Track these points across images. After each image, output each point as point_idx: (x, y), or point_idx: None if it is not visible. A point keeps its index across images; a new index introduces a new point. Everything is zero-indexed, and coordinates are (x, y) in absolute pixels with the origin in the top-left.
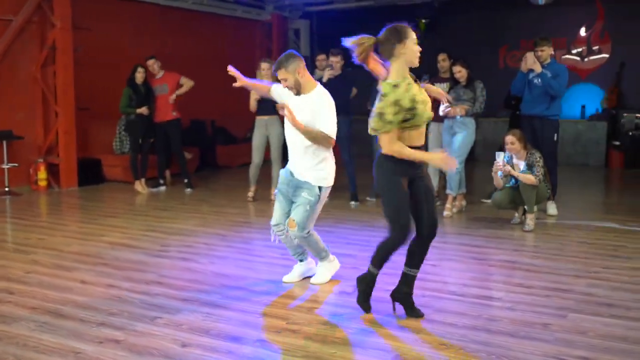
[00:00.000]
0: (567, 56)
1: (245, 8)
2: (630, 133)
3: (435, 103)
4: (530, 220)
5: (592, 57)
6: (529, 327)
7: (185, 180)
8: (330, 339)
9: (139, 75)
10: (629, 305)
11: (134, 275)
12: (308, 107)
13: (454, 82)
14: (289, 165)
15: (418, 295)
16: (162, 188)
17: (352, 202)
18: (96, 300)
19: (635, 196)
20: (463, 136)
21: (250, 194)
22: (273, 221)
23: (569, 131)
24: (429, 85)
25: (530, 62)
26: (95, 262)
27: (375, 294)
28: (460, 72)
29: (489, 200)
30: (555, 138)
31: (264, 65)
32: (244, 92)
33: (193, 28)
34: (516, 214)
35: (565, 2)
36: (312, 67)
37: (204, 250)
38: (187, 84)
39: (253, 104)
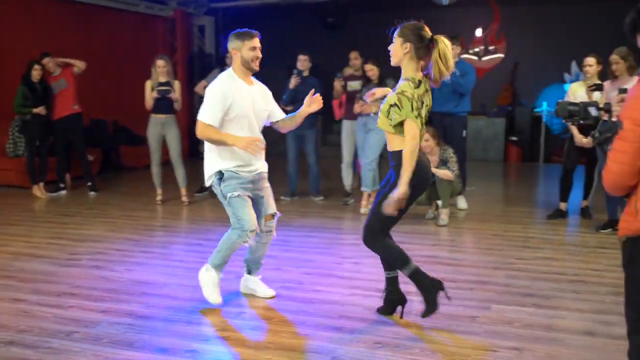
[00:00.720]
0: (466, 55)
1: (148, 3)
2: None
3: (349, 102)
4: (444, 215)
5: (488, 57)
6: (457, 321)
7: (89, 184)
8: (263, 345)
9: (35, 73)
10: (548, 294)
11: (43, 287)
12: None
13: (366, 80)
14: (249, 161)
15: (345, 294)
16: (63, 192)
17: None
18: (1, 317)
19: (534, 188)
20: (377, 133)
21: (159, 197)
22: (252, 226)
23: (470, 127)
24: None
25: None
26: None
27: (302, 295)
28: (372, 71)
29: None
30: (463, 134)
31: (160, 63)
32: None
33: (93, 24)
34: (430, 210)
35: (464, 3)
36: (222, 65)
37: (117, 257)
38: (78, 64)
39: (150, 101)
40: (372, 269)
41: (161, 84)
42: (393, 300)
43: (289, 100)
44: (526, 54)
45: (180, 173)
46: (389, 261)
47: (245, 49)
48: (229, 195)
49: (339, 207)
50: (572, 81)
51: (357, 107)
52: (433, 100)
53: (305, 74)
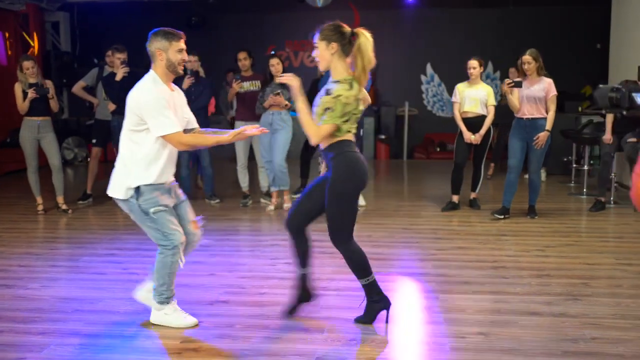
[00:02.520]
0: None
1: None
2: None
3: (242, 104)
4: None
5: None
6: (413, 313)
7: None
8: (239, 353)
9: None
10: (481, 281)
11: None
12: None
13: (266, 79)
14: (167, 170)
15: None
16: None
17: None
18: None
19: (414, 183)
20: (284, 133)
21: (40, 206)
22: (181, 239)
23: None
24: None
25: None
26: None
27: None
28: (279, 65)
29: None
30: (361, 133)
31: (28, 64)
32: (1, 91)
33: None
34: None
35: (325, 7)
36: (79, 65)
37: (24, 274)
38: None
39: (25, 104)
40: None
41: (32, 85)
42: (375, 306)
43: None
44: (385, 56)
45: (59, 179)
46: (358, 267)
47: (173, 50)
48: (152, 210)
49: (240, 209)
50: (428, 82)
51: (269, 102)
52: None
53: (201, 74)
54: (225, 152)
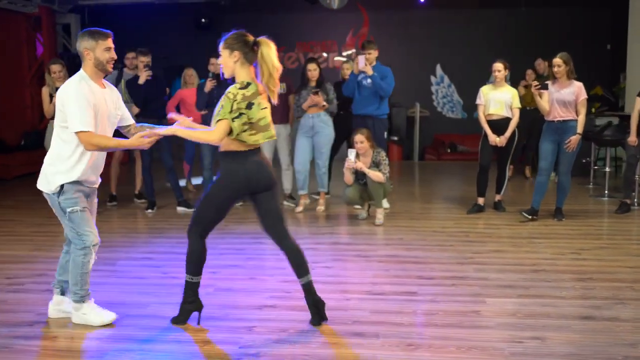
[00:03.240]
0: (338, 58)
1: None
2: None
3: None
4: (380, 214)
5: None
6: (464, 317)
7: None
8: (287, 359)
9: None
10: (524, 284)
11: (5, 317)
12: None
13: (303, 82)
14: (92, 174)
15: (340, 299)
16: None
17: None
18: None
19: (432, 185)
20: (325, 134)
21: None
22: (94, 240)
23: None
24: None
25: (362, 64)
26: None
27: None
28: (316, 71)
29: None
30: (385, 135)
31: (56, 67)
32: (17, 93)
33: None
34: (362, 210)
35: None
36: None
37: None
38: None
39: (52, 108)
40: (348, 271)
41: (58, 89)
42: (187, 307)
43: (202, 104)
44: (395, 57)
45: None
46: (299, 266)
47: (100, 49)
48: (69, 210)
49: None
50: (437, 83)
51: (309, 102)
52: (354, 103)
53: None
54: None
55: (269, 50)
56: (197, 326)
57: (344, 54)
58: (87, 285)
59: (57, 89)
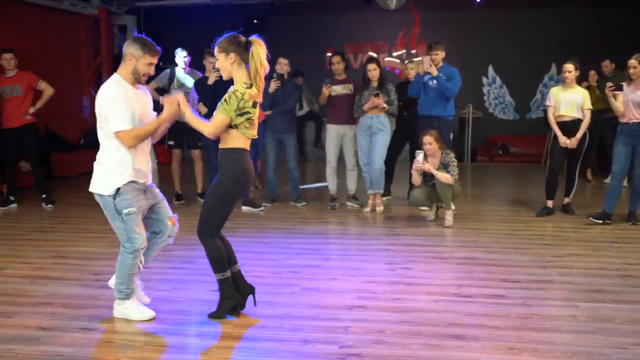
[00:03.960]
0: (389, 58)
1: (73, 0)
2: None
3: (334, 107)
4: (449, 216)
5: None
6: (560, 321)
7: (44, 196)
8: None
9: None
10: (614, 289)
11: (104, 313)
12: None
13: (365, 83)
14: (144, 171)
15: (429, 301)
16: (14, 206)
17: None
18: (99, 350)
19: (488, 186)
20: (383, 135)
21: None
22: (143, 244)
23: None
24: None
25: (427, 65)
26: (31, 301)
27: None
28: (376, 71)
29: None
30: (451, 137)
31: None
32: (76, 92)
33: (15, 20)
34: (430, 212)
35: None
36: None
37: (150, 275)
38: (47, 91)
39: None
40: (429, 273)
41: None
42: (226, 302)
43: (267, 105)
44: (446, 58)
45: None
46: (217, 262)
47: (143, 62)
48: (125, 211)
49: (329, 212)
50: (489, 84)
51: (369, 105)
52: (420, 104)
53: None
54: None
55: (260, 49)
56: (254, 306)
57: (394, 54)
58: (133, 284)
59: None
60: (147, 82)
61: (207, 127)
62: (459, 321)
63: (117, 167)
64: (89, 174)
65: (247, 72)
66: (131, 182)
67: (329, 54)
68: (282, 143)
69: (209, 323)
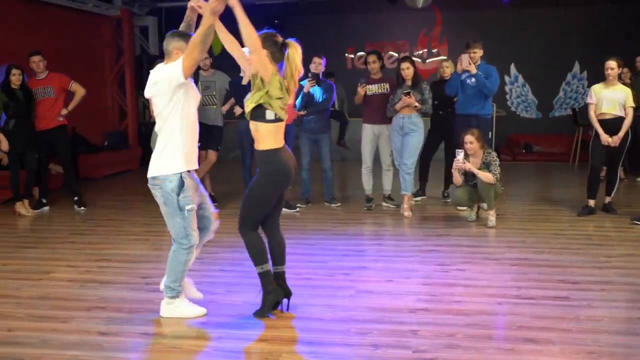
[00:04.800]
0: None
1: (96, 1)
2: None
3: (369, 106)
4: (491, 216)
5: (432, 59)
6: (634, 324)
7: (76, 198)
8: None
9: (15, 78)
10: None
11: (153, 316)
12: None
13: (398, 82)
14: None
15: (492, 303)
16: (46, 208)
17: None
18: (159, 355)
19: (519, 185)
20: (415, 136)
21: None
22: (197, 240)
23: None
24: None
25: (466, 63)
26: (85, 306)
27: None
28: (408, 70)
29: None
30: (490, 135)
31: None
32: (99, 94)
33: (40, 22)
34: (472, 212)
35: (407, 8)
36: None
37: (200, 278)
38: (79, 91)
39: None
40: (485, 275)
41: None
42: (269, 297)
43: (302, 105)
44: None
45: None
46: (280, 255)
47: None
48: (188, 207)
49: (364, 213)
50: (512, 83)
51: (401, 104)
52: (458, 103)
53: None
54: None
55: (295, 52)
56: (285, 312)
57: (415, 53)
58: (184, 281)
59: None
60: None
61: (254, 42)
62: (528, 324)
63: (179, 153)
64: (114, 175)
65: (276, 70)
66: (189, 172)
67: (361, 53)
68: (317, 143)
69: (272, 327)
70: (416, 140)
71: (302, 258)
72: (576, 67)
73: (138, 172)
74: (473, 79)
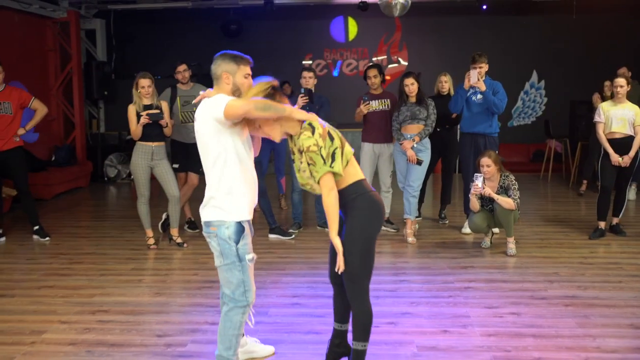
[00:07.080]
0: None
1: (42, 3)
2: None
3: (370, 124)
4: (511, 244)
5: (392, 66)
6: None
7: (36, 227)
8: None
9: None
10: None
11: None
12: None
13: (401, 98)
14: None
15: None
16: (2, 239)
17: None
18: None
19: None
20: (424, 156)
21: (152, 240)
22: (253, 297)
23: None
24: None
25: (475, 79)
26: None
27: None
28: (413, 86)
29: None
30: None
31: (144, 82)
32: (43, 103)
33: None
34: (486, 238)
35: (366, 14)
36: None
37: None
38: (40, 110)
39: (139, 129)
40: (545, 320)
41: (146, 107)
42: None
43: None
44: (427, 63)
45: (177, 210)
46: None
47: (240, 74)
48: (248, 257)
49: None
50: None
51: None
52: (463, 121)
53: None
54: None
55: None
56: None
57: (374, 59)
58: (238, 349)
59: (145, 106)
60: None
61: (322, 191)
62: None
63: (240, 201)
64: (64, 194)
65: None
66: (247, 221)
67: (364, 67)
68: None
69: None
70: (424, 161)
71: (330, 302)
72: (534, 76)
73: (88, 189)
74: (479, 96)
